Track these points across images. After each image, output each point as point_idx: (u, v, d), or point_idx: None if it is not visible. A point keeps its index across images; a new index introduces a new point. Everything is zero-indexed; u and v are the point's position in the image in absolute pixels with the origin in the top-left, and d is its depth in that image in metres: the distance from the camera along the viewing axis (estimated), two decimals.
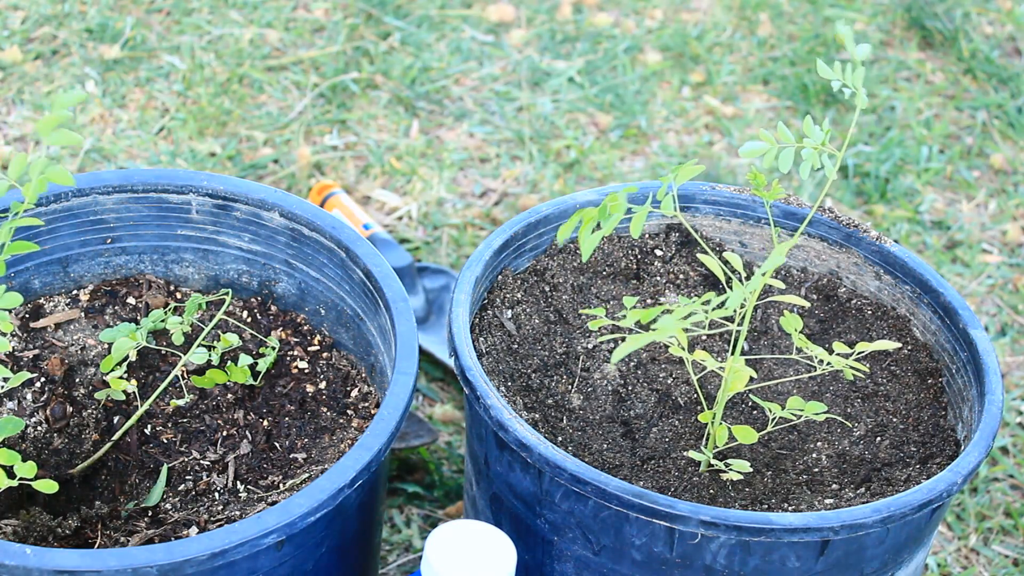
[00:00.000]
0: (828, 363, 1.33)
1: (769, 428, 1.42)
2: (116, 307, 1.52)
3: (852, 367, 1.33)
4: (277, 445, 1.43)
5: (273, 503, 1.34)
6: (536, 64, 2.55)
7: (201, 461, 1.42)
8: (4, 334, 1.44)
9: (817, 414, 1.36)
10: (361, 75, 2.47)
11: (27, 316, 1.50)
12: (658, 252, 1.60)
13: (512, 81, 2.51)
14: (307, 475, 1.38)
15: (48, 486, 1.26)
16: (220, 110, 2.36)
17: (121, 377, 1.44)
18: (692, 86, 2.55)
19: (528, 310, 1.52)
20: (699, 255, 1.39)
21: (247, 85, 2.43)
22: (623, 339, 1.52)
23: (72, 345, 1.49)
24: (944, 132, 2.49)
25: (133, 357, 1.46)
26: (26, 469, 1.26)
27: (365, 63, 2.50)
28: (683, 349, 1.31)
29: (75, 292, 1.53)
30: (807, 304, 1.34)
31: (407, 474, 1.85)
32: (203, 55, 2.47)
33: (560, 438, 1.42)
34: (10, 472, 1.25)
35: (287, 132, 2.34)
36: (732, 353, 1.33)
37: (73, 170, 2.23)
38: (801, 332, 1.34)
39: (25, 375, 1.32)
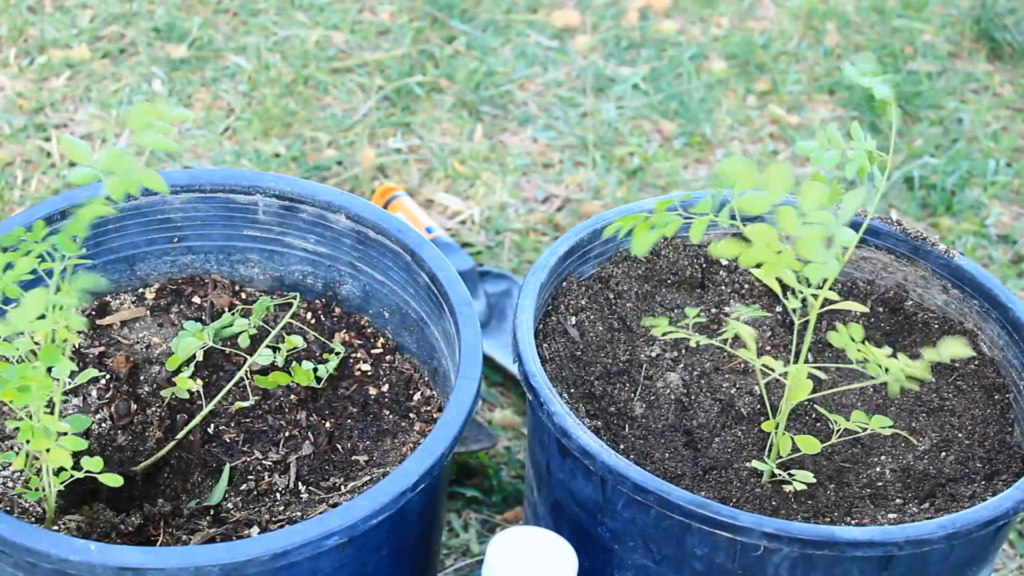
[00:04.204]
0: (888, 370, 1.32)
1: (833, 440, 1.41)
2: (181, 306, 1.53)
3: (908, 375, 1.31)
4: (339, 447, 1.43)
5: (334, 505, 1.34)
6: (601, 70, 2.54)
7: (263, 461, 1.42)
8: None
9: (883, 428, 1.35)
10: (426, 78, 2.47)
11: (94, 313, 1.51)
12: (723, 261, 1.60)
13: (576, 87, 2.51)
14: (369, 477, 1.38)
15: (113, 480, 1.27)
16: (285, 111, 2.37)
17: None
18: (757, 95, 2.54)
19: (592, 317, 1.52)
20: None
21: (312, 86, 2.44)
22: (686, 349, 1.52)
23: (137, 343, 1.49)
24: (1012, 145, 2.46)
25: (200, 357, 1.47)
26: (93, 463, 1.27)
27: (430, 66, 2.51)
28: (751, 351, 1.30)
29: (141, 290, 1.54)
30: (867, 310, 1.32)
31: (466, 478, 1.85)
32: (269, 56, 2.48)
33: (622, 446, 1.41)
34: (76, 464, 1.26)
35: (351, 134, 2.35)
36: (796, 360, 1.32)
37: None
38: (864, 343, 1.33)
39: (92, 372, 1.33)
